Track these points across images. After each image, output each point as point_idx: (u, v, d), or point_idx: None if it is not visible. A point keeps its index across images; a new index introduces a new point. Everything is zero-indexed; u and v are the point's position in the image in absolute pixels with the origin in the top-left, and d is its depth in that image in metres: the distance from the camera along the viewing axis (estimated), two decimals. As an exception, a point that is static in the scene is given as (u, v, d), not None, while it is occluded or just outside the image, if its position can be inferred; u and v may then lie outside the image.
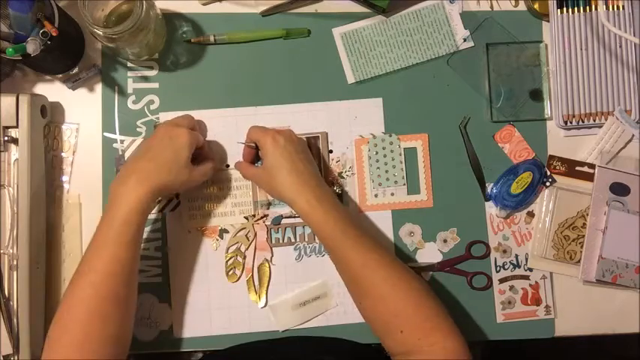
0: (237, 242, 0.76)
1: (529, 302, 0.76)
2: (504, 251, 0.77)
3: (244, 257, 0.75)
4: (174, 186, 0.67)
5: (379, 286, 0.64)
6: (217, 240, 0.75)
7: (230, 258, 0.75)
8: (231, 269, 0.75)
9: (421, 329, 0.61)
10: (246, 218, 0.76)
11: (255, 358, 0.73)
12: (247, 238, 0.76)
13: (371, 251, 0.65)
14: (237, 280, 0.75)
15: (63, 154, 0.75)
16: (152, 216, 0.75)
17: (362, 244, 0.65)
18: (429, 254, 0.76)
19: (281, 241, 0.76)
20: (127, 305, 0.63)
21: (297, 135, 0.72)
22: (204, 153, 0.73)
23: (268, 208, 0.76)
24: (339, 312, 0.75)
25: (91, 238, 0.63)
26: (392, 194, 0.77)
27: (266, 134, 0.69)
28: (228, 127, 0.76)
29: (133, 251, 0.63)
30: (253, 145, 0.72)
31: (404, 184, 0.76)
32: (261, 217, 0.76)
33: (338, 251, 0.66)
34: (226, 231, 0.76)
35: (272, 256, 0.76)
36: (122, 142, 0.76)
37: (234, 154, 0.76)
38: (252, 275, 0.75)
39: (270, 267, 0.75)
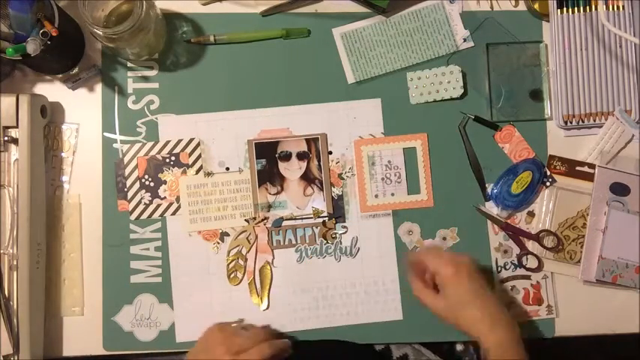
0: (239, 245, 0.75)
1: (531, 302, 0.76)
2: (505, 251, 0.77)
3: (245, 260, 0.75)
4: None
5: None
6: (218, 243, 0.75)
7: (231, 261, 0.75)
8: (232, 272, 0.75)
9: None
10: (247, 221, 0.76)
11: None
12: (248, 241, 0.76)
13: None
14: (239, 282, 0.75)
15: (63, 154, 0.75)
16: (152, 217, 0.75)
17: None
18: (429, 254, 0.76)
19: (282, 243, 0.76)
20: None
21: (470, 257, 0.69)
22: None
23: (269, 211, 0.76)
24: (342, 313, 0.75)
25: None
26: (392, 194, 0.77)
27: (448, 264, 0.66)
28: (228, 129, 0.76)
29: None
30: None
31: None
32: (262, 220, 0.76)
33: None
34: (227, 234, 0.76)
35: (273, 258, 0.76)
36: (122, 142, 0.76)
37: (234, 155, 0.76)
38: (254, 278, 0.75)
39: (271, 269, 0.75)
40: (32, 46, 0.64)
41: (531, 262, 0.76)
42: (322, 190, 0.76)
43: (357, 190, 0.77)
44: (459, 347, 0.81)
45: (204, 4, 0.77)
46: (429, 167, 0.77)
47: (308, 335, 0.75)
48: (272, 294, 0.75)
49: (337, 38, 0.78)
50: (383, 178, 0.77)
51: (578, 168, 0.77)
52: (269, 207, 0.76)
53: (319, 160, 0.76)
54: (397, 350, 0.76)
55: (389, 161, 0.77)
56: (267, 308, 0.75)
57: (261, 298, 0.75)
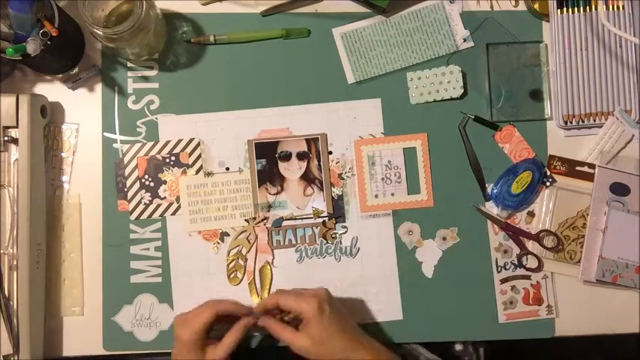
0: (239, 245, 0.75)
1: (531, 302, 0.76)
2: (505, 251, 0.77)
3: (245, 260, 0.75)
4: None
5: None
6: (218, 243, 0.75)
7: (231, 261, 0.75)
8: (232, 272, 0.75)
9: None
10: (247, 221, 0.76)
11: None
12: (248, 241, 0.76)
13: None
14: (239, 282, 0.75)
15: (63, 154, 0.75)
16: (152, 217, 0.75)
17: None
18: (429, 252, 0.76)
19: (282, 243, 0.76)
20: None
21: (325, 289, 0.69)
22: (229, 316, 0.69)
23: (269, 211, 0.76)
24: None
25: None
26: (392, 194, 0.77)
27: (307, 302, 0.66)
28: (228, 129, 0.76)
29: None
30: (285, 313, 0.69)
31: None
32: (262, 220, 0.76)
33: None
34: (227, 234, 0.76)
35: (273, 258, 0.76)
36: (122, 142, 0.76)
37: (234, 155, 0.76)
38: (254, 278, 0.75)
39: (271, 269, 0.75)
40: (32, 46, 0.64)
41: (531, 262, 0.76)
42: (322, 190, 0.76)
43: (357, 190, 0.77)
44: (458, 347, 0.81)
45: (204, 4, 0.77)
46: (429, 167, 0.77)
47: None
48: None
49: (337, 38, 0.78)
50: (383, 178, 0.77)
51: (578, 168, 0.77)
52: (269, 207, 0.76)
53: (319, 160, 0.76)
54: (395, 350, 0.76)
55: (389, 161, 0.77)
56: (267, 308, 0.75)
57: (261, 298, 0.75)
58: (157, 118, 0.76)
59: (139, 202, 0.75)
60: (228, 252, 0.75)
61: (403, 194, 0.77)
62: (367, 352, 0.65)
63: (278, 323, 0.68)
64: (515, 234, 0.76)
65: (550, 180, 0.77)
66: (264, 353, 0.74)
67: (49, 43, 0.66)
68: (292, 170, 0.76)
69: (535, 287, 0.76)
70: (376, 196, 0.77)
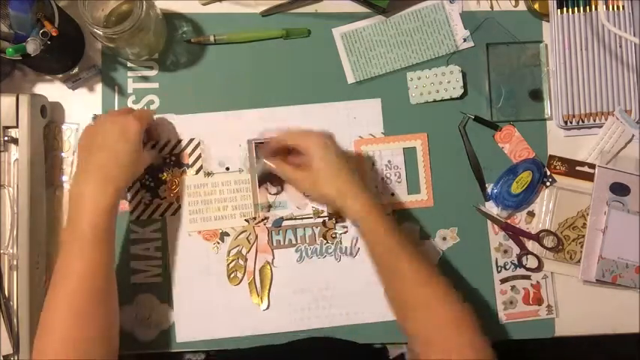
0: (239, 245, 0.75)
1: (531, 302, 0.76)
2: (505, 251, 0.77)
3: (245, 260, 0.75)
4: (134, 177, 0.70)
5: (425, 301, 0.63)
6: (218, 243, 0.75)
7: (231, 261, 0.75)
8: (232, 272, 0.75)
9: (457, 347, 0.60)
10: (247, 221, 0.76)
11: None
12: (248, 241, 0.76)
13: (423, 265, 0.64)
14: (239, 282, 0.75)
15: (63, 154, 0.75)
16: (152, 217, 0.75)
17: (415, 256, 0.64)
18: (428, 252, 0.76)
19: (282, 243, 0.76)
20: (108, 304, 0.63)
21: (333, 134, 0.72)
22: (151, 131, 0.75)
23: (269, 211, 0.76)
24: (342, 313, 0.75)
25: (61, 242, 0.63)
26: (392, 194, 0.77)
27: (316, 137, 0.68)
28: (228, 129, 0.76)
29: (108, 252, 0.63)
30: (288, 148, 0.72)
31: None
32: (262, 220, 0.76)
33: (389, 260, 0.65)
34: (227, 234, 0.75)
35: (273, 258, 0.76)
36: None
37: (234, 155, 0.76)
38: (254, 278, 0.75)
39: (271, 269, 0.75)
40: (32, 46, 0.64)
41: (531, 262, 0.76)
42: (322, 190, 0.76)
43: (357, 190, 0.77)
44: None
45: (204, 4, 0.77)
46: (429, 167, 0.77)
47: (308, 335, 0.75)
48: (272, 294, 0.75)
49: (337, 38, 0.78)
50: (383, 178, 0.77)
51: (578, 168, 0.77)
52: (269, 207, 0.76)
53: (319, 160, 0.76)
54: (394, 350, 0.76)
55: (389, 161, 0.77)
56: (268, 308, 0.75)
57: (261, 298, 0.75)
58: (157, 119, 0.76)
59: (139, 202, 0.75)
60: (229, 252, 0.75)
61: (403, 194, 0.77)
62: (353, 201, 0.66)
63: (283, 163, 0.71)
64: (515, 234, 0.76)
65: (550, 180, 0.77)
66: (268, 353, 0.74)
67: (49, 43, 0.66)
68: (292, 170, 0.76)
69: (535, 287, 0.76)
70: (376, 195, 0.77)
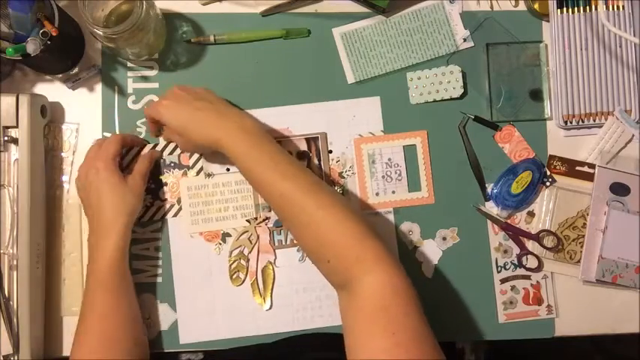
0: (240, 245, 0.75)
1: (530, 302, 0.76)
2: (505, 251, 0.77)
3: (247, 260, 0.75)
4: (135, 205, 0.70)
5: (308, 213, 0.62)
6: (220, 244, 0.75)
7: (233, 262, 0.75)
8: (234, 273, 0.75)
9: (351, 258, 0.59)
10: (249, 221, 0.76)
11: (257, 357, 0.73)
12: (250, 241, 0.76)
13: (298, 176, 0.64)
14: (242, 283, 0.75)
15: (63, 154, 0.75)
16: (153, 219, 0.75)
17: (289, 168, 0.64)
18: (429, 252, 0.76)
19: (284, 243, 0.76)
20: (133, 332, 0.68)
21: (203, 89, 0.72)
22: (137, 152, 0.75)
23: (270, 211, 0.76)
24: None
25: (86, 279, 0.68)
26: (393, 192, 0.77)
27: (157, 105, 0.69)
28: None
29: (126, 288, 0.69)
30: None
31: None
32: (263, 220, 0.76)
33: (258, 173, 0.65)
34: (229, 235, 0.75)
35: (275, 258, 0.76)
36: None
37: (235, 154, 0.76)
38: (257, 278, 0.75)
39: (273, 269, 0.75)
40: (32, 46, 0.64)
41: (531, 262, 0.76)
42: (322, 190, 0.76)
43: (357, 188, 0.77)
44: (459, 347, 0.82)
45: (204, 4, 0.77)
46: (430, 164, 0.77)
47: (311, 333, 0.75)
48: (275, 294, 0.75)
49: (337, 38, 0.78)
50: (383, 176, 0.77)
51: (578, 168, 0.77)
52: (270, 207, 0.76)
53: (319, 160, 0.76)
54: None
55: (389, 159, 0.77)
56: (270, 308, 0.75)
57: (264, 298, 0.75)
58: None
59: (140, 203, 0.75)
60: (230, 253, 0.75)
61: (404, 192, 0.77)
62: (219, 131, 0.66)
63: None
64: (515, 234, 0.76)
65: (550, 180, 0.77)
66: (271, 349, 0.74)
67: (49, 43, 0.66)
68: (292, 170, 0.76)
69: (535, 287, 0.76)
70: (377, 194, 0.77)
